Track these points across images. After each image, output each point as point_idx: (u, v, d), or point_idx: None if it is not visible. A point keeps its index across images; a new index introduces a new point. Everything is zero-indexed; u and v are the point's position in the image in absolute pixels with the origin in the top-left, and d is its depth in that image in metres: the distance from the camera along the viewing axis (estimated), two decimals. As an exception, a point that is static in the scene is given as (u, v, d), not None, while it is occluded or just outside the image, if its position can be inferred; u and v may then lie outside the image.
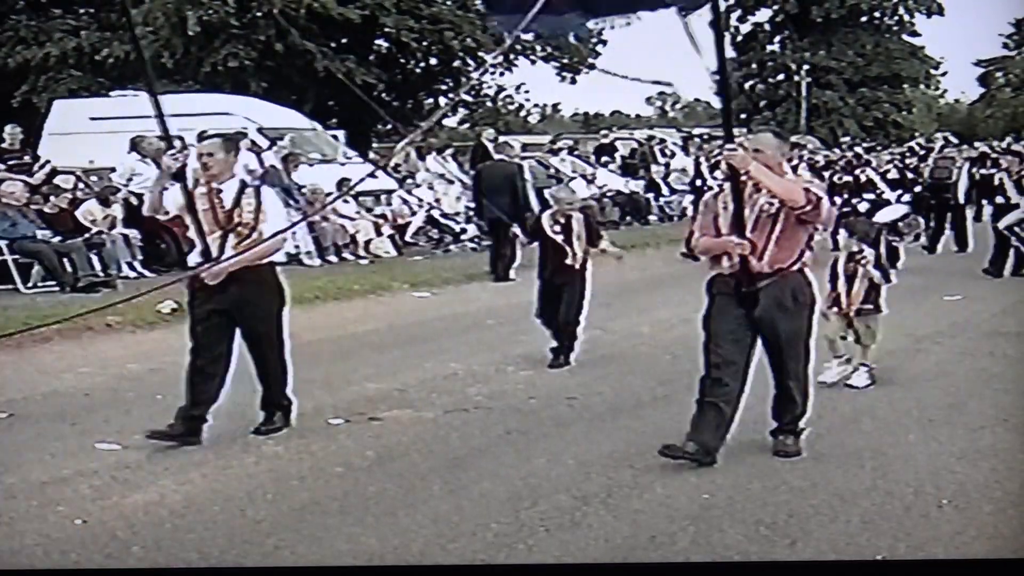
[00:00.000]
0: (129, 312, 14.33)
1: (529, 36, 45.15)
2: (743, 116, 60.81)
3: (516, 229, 17.13)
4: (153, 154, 19.83)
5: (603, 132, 40.53)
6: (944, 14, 60.72)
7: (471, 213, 24.06)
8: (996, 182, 20.26)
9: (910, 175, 24.28)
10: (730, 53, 63.03)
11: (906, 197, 21.22)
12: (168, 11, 36.50)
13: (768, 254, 8.05)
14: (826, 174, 23.27)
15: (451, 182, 26.31)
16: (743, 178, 8.03)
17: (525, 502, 7.36)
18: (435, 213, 24.00)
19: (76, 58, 38.84)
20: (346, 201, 22.16)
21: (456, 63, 42.90)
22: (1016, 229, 18.89)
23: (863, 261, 11.08)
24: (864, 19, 61.38)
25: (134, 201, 18.92)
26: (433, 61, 42.59)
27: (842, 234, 11.48)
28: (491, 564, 6.45)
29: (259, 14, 36.31)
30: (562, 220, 12.09)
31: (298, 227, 20.66)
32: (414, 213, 23.92)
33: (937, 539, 6.71)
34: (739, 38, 63.62)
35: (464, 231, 23.68)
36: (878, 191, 21.10)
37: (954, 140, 34.03)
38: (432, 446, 8.84)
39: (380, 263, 20.90)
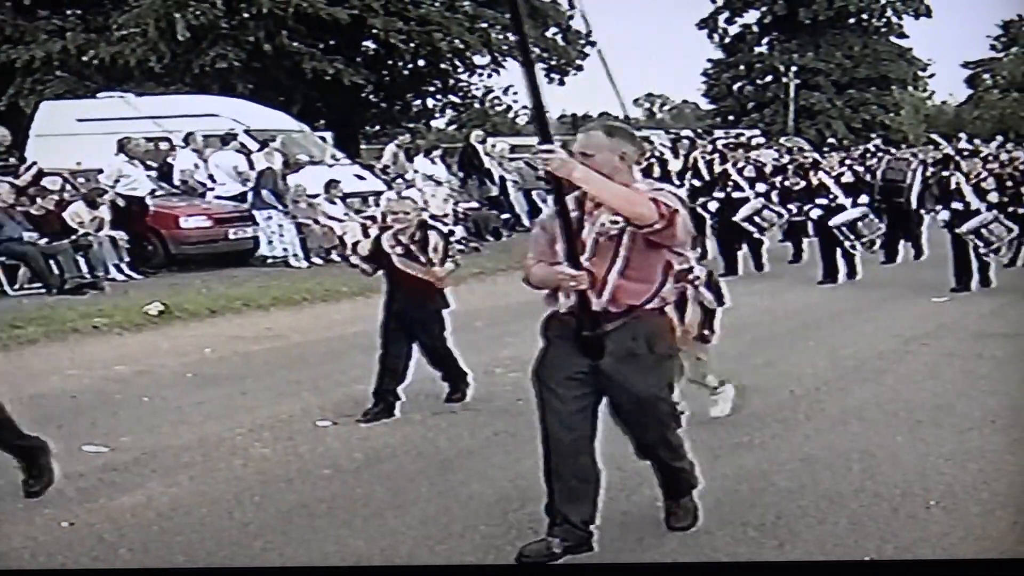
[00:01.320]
0: (116, 314, 14.35)
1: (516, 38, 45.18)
2: (731, 118, 60.99)
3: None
4: (141, 156, 19.87)
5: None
6: (932, 16, 60.99)
7: (460, 214, 24.09)
8: (953, 185, 18.27)
9: (869, 178, 22.11)
10: (718, 55, 63.29)
11: (863, 200, 19.24)
12: (157, 15, 36.40)
13: (612, 288, 6.22)
14: (778, 179, 21.42)
15: (439, 183, 26.29)
16: (582, 192, 6.21)
17: (514, 504, 7.36)
18: (423, 215, 23.94)
19: (62, 60, 38.74)
20: (334, 203, 22.15)
21: (444, 64, 42.89)
22: (973, 237, 17.34)
23: (695, 281, 8.93)
24: (852, 21, 61.57)
25: (121, 203, 18.93)
26: (421, 62, 42.57)
27: None
28: (480, 564, 6.45)
29: (247, 15, 36.24)
30: (404, 239, 10.14)
31: (287, 229, 20.72)
32: (402, 215, 23.83)
33: (925, 540, 6.71)
34: (727, 40, 63.79)
35: (452, 232, 23.64)
36: (831, 196, 19.13)
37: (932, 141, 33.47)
38: (420, 448, 8.83)
39: (368, 265, 20.87)
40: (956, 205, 17.77)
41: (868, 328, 14.20)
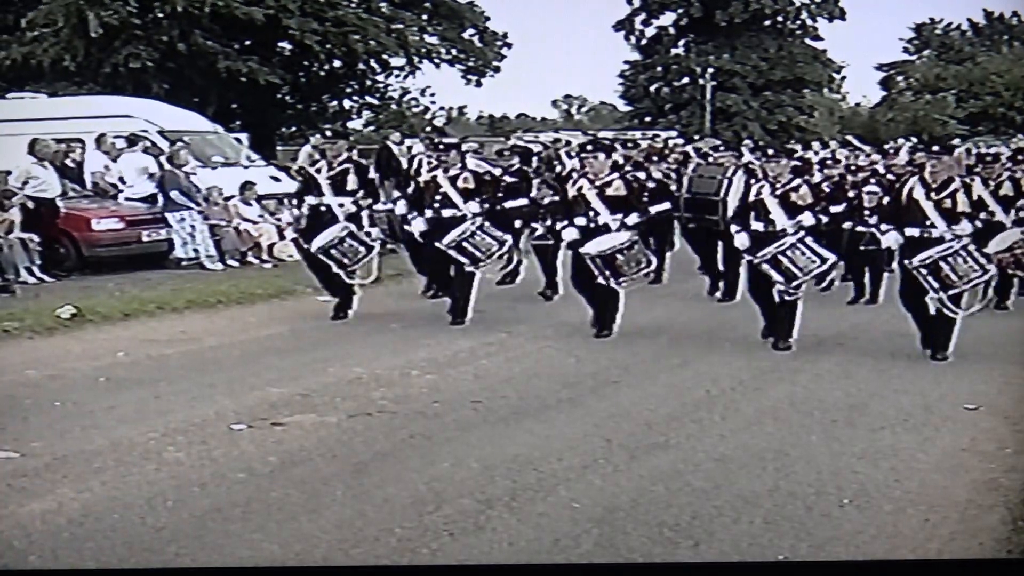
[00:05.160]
0: (27, 318, 14.15)
1: (434, 39, 45.28)
2: (648, 119, 61.29)
3: None
4: (50, 157, 19.61)
5: (517, 134, 40.56)
6: (846, 19, 61.56)
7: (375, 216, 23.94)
8: (754, 196, 13.29)
9: (652, 186, 17.16)
10: (635, 56, 63.56)
11: (632, 219, 13.67)
12: (69, 12, 36.05)
13: None
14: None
15: (355, 185, 26.13)
16: None
17: (429, 506, 7.34)
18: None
19: (-30, 60, 38.38)
20: (249, 204, 21.99)
21: (360, 66, 42.84)
22: (768, 267, 12.90)
23: None
24: (767, 23, 61.99)
25: (31, 205, 18.68)
26: (337, 63, 42.47)
27: None
28: (398, 565, 6.43)
29: (161, 14, 35.97)
30: None
31: (200, 231, 20.54)
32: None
33: (838, 539, 6.78)
34: (644, 42, 64.07)
35: (368, 235, 23.49)
36: (592, 212, 13.68)
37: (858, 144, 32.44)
38: (335, 451, 8.78)
39: (283, 267, 20.72)
40: (757, 225, 13.15)
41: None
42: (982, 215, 12.79)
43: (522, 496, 7.56)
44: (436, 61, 46.08)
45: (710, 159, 18.43)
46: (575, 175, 14.56)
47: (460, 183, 14.97)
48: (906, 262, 12.26)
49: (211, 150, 25.15)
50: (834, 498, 7.48)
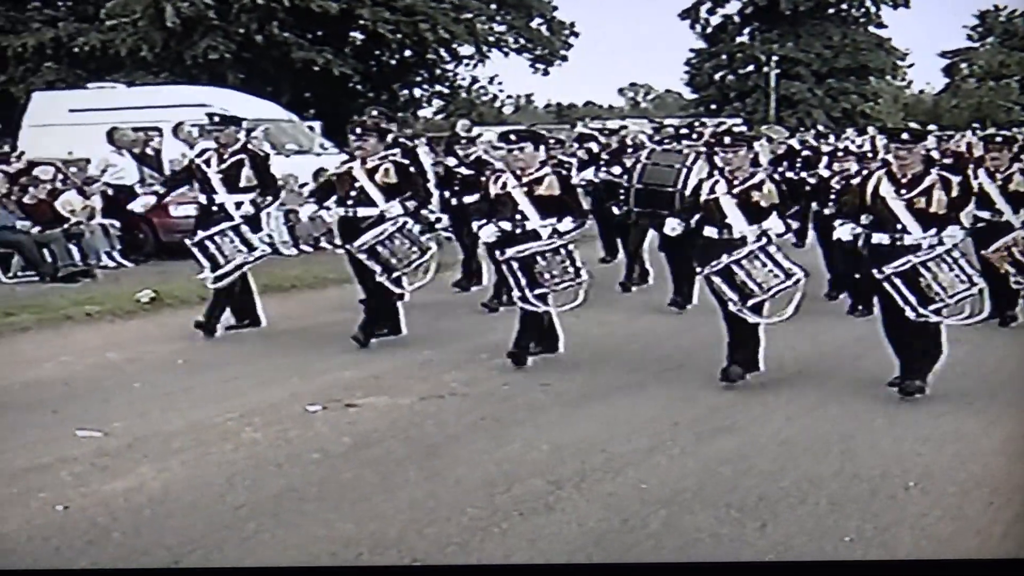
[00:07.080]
0: (107, 301, 14.42)
1: (502, 28, 45.42)
2: (713, 107, 61.07)
3: None
4: (128, 145, 19.95)
5: (581, 122, 40.56)
6: (909, 6, 61.04)
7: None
8: (707, 194, 10.55)
9: (588, 180, 15.83)
10: (700, 44, 63.32)
11: (566, 225, 11.16)
12: (146, 3, 36.49)
13: None
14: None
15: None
16: None
17: (499, 487, 7.47)
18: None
19: (53, 49, 38.87)
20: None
21: (430, 55, 43.08)
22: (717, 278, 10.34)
23: None
24: (831, 11, 61.54)
25: (110, 192, 19.01)
26: (408, 52, 42.73)
27: None
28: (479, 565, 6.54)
29: (237, 6, 36.36)
30: None
31: (274, 217, 20.77)
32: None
33: (903, 521, 6.86)
34: (709, 29, 63.82)
35: (439, 220, 23.60)
36: (518, 216, 11.17)
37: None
38: (408, 432, 8.93)
39: (355, 253, 20.91)
40: (710, 231, 10.57)
41: (845, 312, 14.20)
42: (985, 214, 11.66)
43: (591, 477, 7.68)
44: (504, 50, 46.31)
45: (665, 146, 15.88)
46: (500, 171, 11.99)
47: (379, 176, 12.33)
48: (875, 273, 9.96)
49: (285, 138, 25.48)
50: (899, 481, 7.55)
